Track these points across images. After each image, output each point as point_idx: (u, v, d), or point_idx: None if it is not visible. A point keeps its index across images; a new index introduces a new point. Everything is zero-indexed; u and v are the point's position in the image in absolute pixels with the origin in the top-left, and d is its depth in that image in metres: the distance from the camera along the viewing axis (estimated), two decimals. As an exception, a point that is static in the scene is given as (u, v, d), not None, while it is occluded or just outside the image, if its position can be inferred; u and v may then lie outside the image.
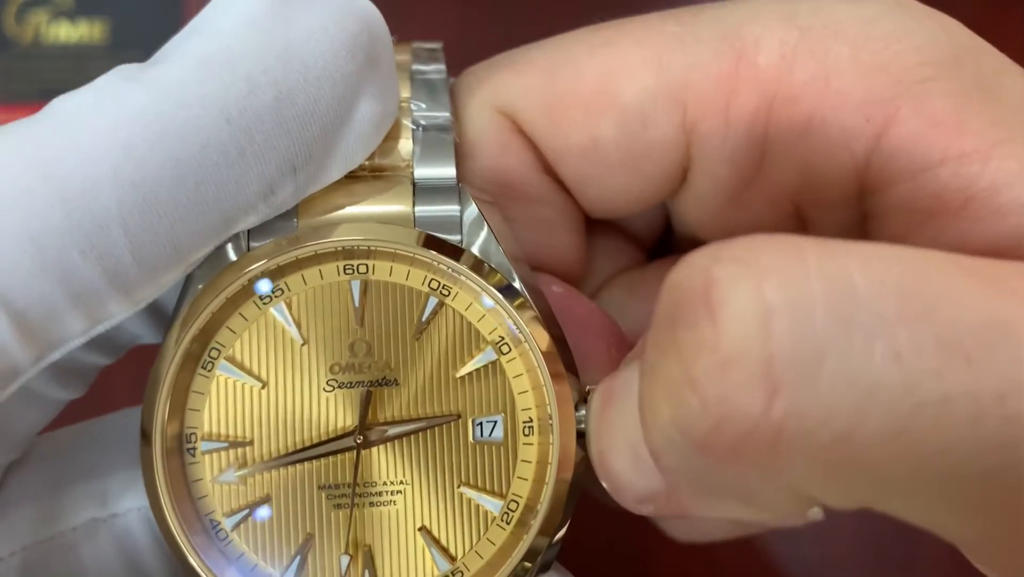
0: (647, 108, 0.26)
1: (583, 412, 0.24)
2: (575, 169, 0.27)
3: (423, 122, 0.26)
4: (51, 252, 0.21)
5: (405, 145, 0.25)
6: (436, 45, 0.28)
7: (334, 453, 0.24)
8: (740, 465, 0.18)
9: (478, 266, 0.24)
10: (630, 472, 0.22)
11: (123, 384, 0.31)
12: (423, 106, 0.26)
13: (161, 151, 0.21)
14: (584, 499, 0.27)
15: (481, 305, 0.25)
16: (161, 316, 0.27)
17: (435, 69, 0.27)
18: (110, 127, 0.21)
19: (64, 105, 0.22)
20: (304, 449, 0.24)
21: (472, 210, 0.25)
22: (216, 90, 0.21)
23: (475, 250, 0.24)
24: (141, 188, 0.21)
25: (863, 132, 0.24)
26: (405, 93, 0.26)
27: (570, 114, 0.26)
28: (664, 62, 0.25)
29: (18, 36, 0.57)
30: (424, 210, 0.25)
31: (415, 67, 0.27)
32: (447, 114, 0.26)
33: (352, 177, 0.24)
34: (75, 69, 0.56)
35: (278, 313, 0.24)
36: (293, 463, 0.24)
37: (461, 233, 0.24)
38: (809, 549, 0.48)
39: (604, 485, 0.23)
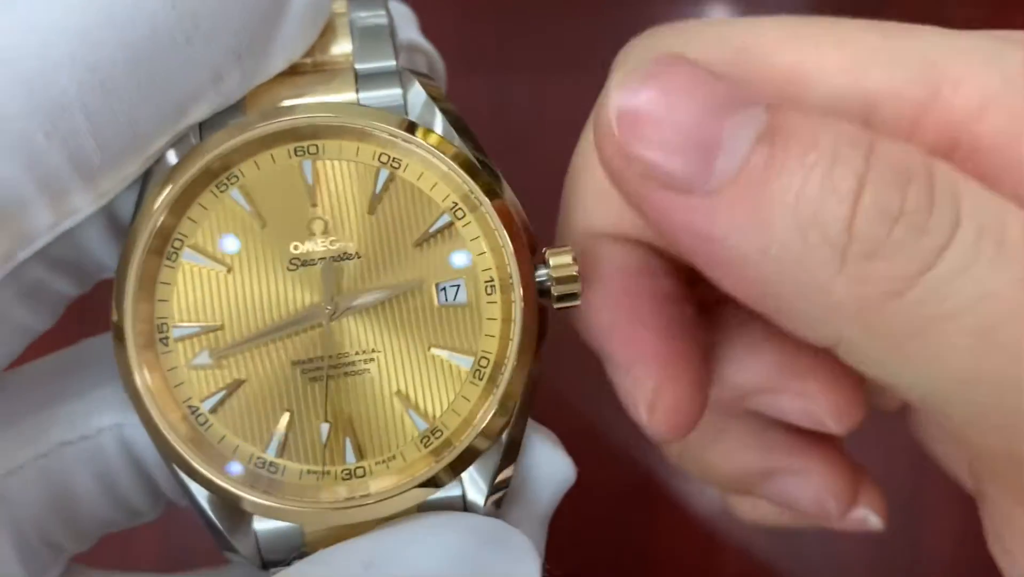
0: (832, 109, 0.25)
1: (542, 271, 0.25)
2: None
3: (360, 24, 0.26)
4: (15, 134, 0.21)
5: (345, 44, 0.26)
6: None
7: (305, 329, 0.25)
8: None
9: (430, 136, 0.25)
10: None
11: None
12: (362, 14, 0.27)
13: (113, 36, 0.21)
14: (583, 497, 0.27)
15: (433, 173, 0.25)
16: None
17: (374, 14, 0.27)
18: (61, 13, 0.21)
19: None
20: (276, 328, 0.24)
21: (418, 92, 0.25)
22: None
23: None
24: (98, 72, 0.21)
25: None
26: (341, 5, 0.27)
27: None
28: (861, 71, 0.25)
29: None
30: (368, 96, 0.25)
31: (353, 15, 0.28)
32: (384, 21, 0.27)
33: (296, 72, 0.25)
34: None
35: (236, 198, 0.25)
36: (266, 342, 0.24)
37: (406, 115, 0.25)
38: (810, 548, 0.48)
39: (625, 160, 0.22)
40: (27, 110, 0.21)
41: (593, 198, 0.28)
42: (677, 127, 0.21)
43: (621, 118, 0.22)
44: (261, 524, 0.24)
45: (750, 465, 0.34)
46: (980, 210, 0.21)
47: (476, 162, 0.25)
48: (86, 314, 0.29)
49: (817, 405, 0.32)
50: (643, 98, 0.21)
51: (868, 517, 0.34)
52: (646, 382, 0.28)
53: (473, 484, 0.25)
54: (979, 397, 0.21)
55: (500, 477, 0.24)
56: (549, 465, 0.26)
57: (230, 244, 0.25)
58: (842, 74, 0.25)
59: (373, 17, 0.27)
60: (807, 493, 0.33)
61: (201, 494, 0.24)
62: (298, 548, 0.24)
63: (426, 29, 0.31)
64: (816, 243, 0.21)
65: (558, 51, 0.56)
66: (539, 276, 0.25)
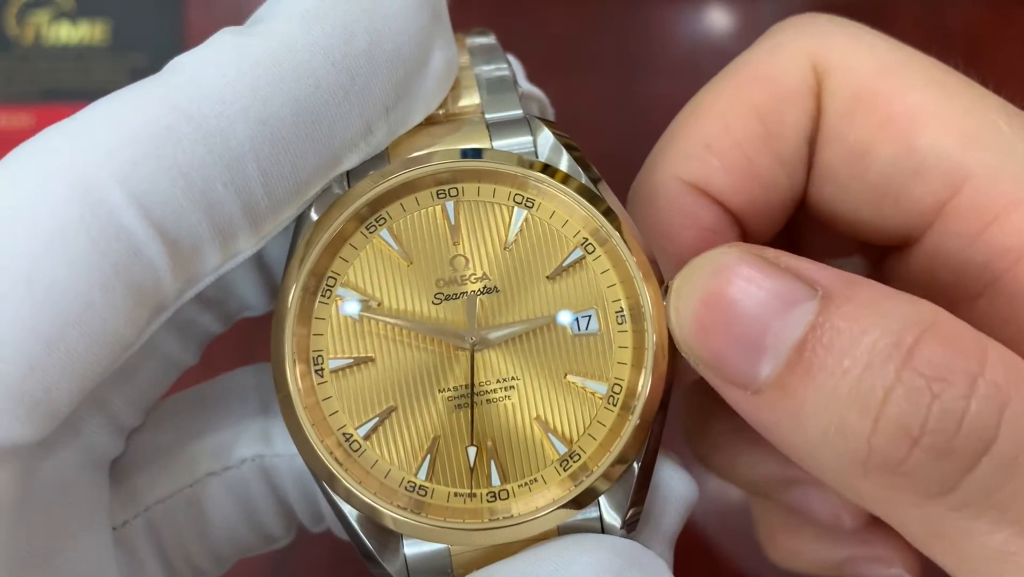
0: (929, 164, 0.26)
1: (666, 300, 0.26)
2: (833, 159, 0.28)
3: (487, 76, 0.28)
4: (198, 184, 0.22)
5: (473, 96, 0.28)
6: (489, 40, 0.30)
7: (450, 359, 0.26)
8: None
9: (560, 176, 0.26)
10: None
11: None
12: (486, 68, 0.29)
13: (282, 92, 0.23)
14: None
15: (564, 211, 0.26)
16: (272, 286, 0.29)
17: (496, 67, 0.29)
18: (235, 73, 0.23)
19: (187, 59, 0.24)
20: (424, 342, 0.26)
21: (546, 137, 0.27)
22: (320, 38, 0.23)
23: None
24: (268, 125, 0.23)
25: None
26: (465, 59, 0.29)
27: (869, 114, 0.27)
28: (973, 144, 0.26)
29: (19, 37, 0.57)
30: (501, 144, 0.27)
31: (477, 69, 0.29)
32: (508, 74, 0.28)
33: (431, 123, 0.27)
34: (76, 70, 0.57)
35: (384, 238, 0.26)
36: (415, 372, 0.26)
37: (536, 158, 0.27)
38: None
39: (698, 361, 0.24)
40: (208, 161, 0.22)
41: (695, 147, 0.29)
42: (730, 327, 0.22)
43: (680, 313, 0.24)
44: (411, 547, 0.25)
45: (773, 473, 0.35)
46: None
47: (602, 196, 0.26)
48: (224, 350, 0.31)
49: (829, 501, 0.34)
50: (701, 295, 0.23)
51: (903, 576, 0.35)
52: None
53: (609, 507, 0.25)
54: None
55: (634, 500, 0.25)
56: (675, 486, 0.27)
57: (380, 281, 0.26)
58: (955, 137, 0.26)
59: (497, 70, 0.28)
60: (825, 505, 0.34)
61: (352, 516, 0.25)
62: (446, 570, 0.25)
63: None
64: (840, 451, 0.21)
65: (558, 51, 0.56)
66: (665, 304, 0.26)
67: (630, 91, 0.55)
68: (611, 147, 0.53)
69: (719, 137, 0.28)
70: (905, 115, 0.27)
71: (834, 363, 0.21)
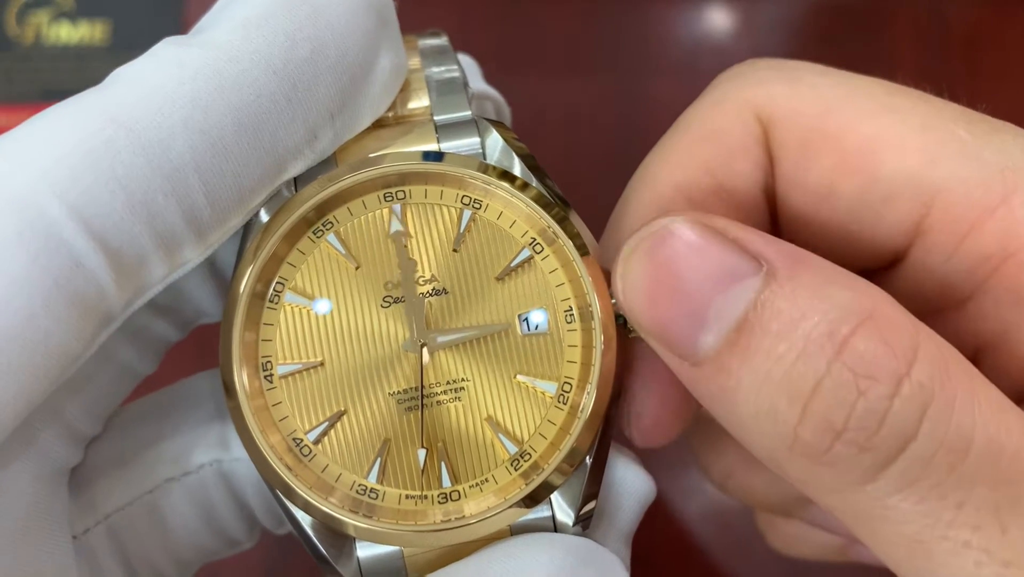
0: (897, 189, 0.26)
1: (614, 300, 0.25)
2: (798, 203, 0.28)
3: (436, 78, 0.28)
4: (138, 195, 0.23)
5: (423, 98, 0.28)
6: (441, 41, 0.30)
7: (400, 362, 0.26)
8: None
9: (507, 177, 0.26)
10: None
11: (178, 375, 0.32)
12: (436, 70, 0.28)
13: (222, 102, 0.23)
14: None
15: (511, 211, 0.27)
16: (225, 291, 0.29)
17: (446, 69, 0.29)
18: (175, 83, 0.23)
19: (127, 71, 0.24)
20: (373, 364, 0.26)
21: (495, 139, 0.27)
22: (261, 46, 0.23)
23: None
24: (209, 135, 0.23)
25: None
26: (415, 62, 0.28)
27: (823, 156, 0.27)
28: (936, 160, 0.26)
29: (19, 37, 0.57)
30: (449, 145, 0.27)
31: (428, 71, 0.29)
32: (457, 75, 0.28)
33: (379, 126, 0.27)
34: (76, 70, 0.57)
35: (332, 242, 0.26)
36: (363, 376, 0.26)
37: (484, 159, 0.27)
38: (817, 563, 0.48)
39: (644, 330, 0.24)
40: (147, 172, 0.23)
41: (651, 213, 0.29)
42: (674, 296, 0.22)
43: (625, 281, 0.23)
44: (363, 550, 0.25)
45: (790, 493, 0.35)
46: (946, 421, 0.21)
47: (550, 198, 0.26)
48: (182, 356, 0.31)
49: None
50: (647, 264, 0.23)
51: None
52: (635, 397, 0.29)
53: (561, 505, 0.26)
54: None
55: (587, 497, 0.26)
56: (630, 483, 0.27)
57: (328, 285, 0.26)
58: (917, 157, 0.26)
59: (447, 72, 0.28)
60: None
61: (306, 521, 0.25)
62: (400, 573, 0.25)
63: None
64: (768, 433, 0.22)
65: (558, 51, 0.56)
66: (614, 304, 0.26)
67: (630, 91, 0.55)
68: (611, 147, 0.53)
69: (673, 200, 0.28)
70: (861, 148, 0.26)
71: (770, 346, 0.21)
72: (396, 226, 0.26)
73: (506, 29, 0.55)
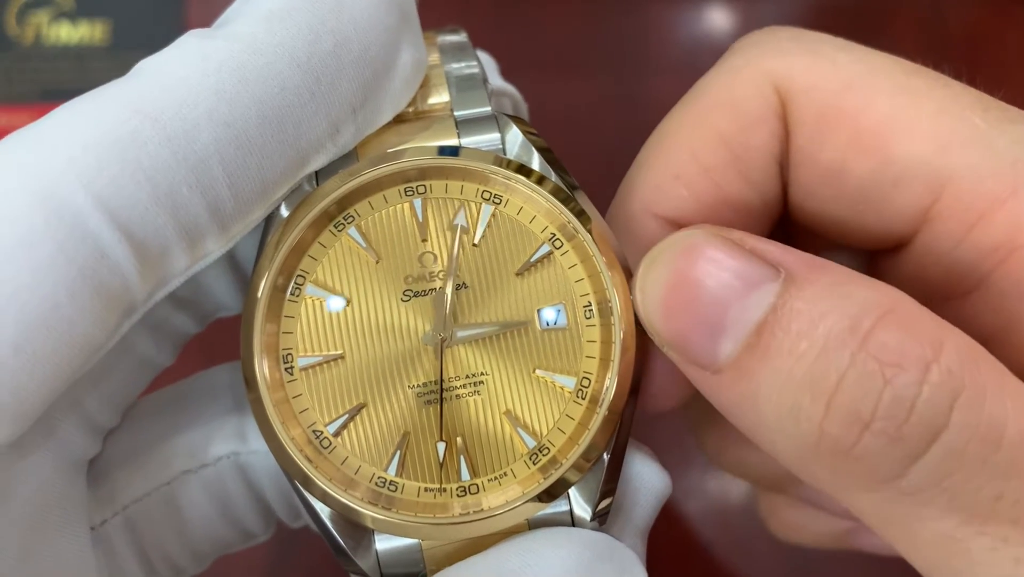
0: (908, 173, 0.26)
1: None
2: (809, 179, 0.28)
3: (456, 74, 0.28)
4: (163, 187, 0.23)
5: (443, 94, 0.28)
6: (460, 37, 0.30)
7: (420, 355, 0.26)
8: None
9: (526, 172, 0.26)
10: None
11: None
12: (456, 66, 0.29)
13: (246, 94, 0.23)
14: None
15: (531, 207, 0.27)
16: (246, 285, 0.29)
17: (466, 64, 0.29)
18: (199, 75, 0.23)
19: (151, 63, 0.24)
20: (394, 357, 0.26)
21: (515, 134, 0.27)
22: (285, 39, 0.24)
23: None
24: (233, 127, 0.23)
25: None
26: (435, 57, 0.29)
27: (838, 133, 0.27)
28: (949, 147, 0.25)
29: (19, 37, 0.57)
30: (469, 140, 0.27)
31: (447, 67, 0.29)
32: (477, 71, 0.28)
33: (400, 121, 0.27)
34: (76, 69, 0.57)
35: (353, 236, 0.26)
36: (384, 368, 0.26)
37: (504, 154, 0.27)
38: (812, 551, 0.48)
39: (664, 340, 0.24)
40: (172, 164, 0.23)
41: (663, 179, 0.28)
42: (692, 307, 0.23)
43: (644, 293, 0.24)
44: (382, 543, 0.25)
45: (784, 468, 0.34)
46: (979, 409, 0.21)
47: (570, 193, 0.26)
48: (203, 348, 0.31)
49: None
50: (665, 277, 0.23)
51: None
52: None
53: (579, 499, 0.26)
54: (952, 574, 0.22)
55: (604, 493, 0.26)
56: (647, 478, 0.27)
57: (349, 278, 0.26)
58: (930, 142, 0.26)
59: (467, 68, 0.28)
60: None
61: (325, 513, 0.25)
62: (417, 565, 0.25)
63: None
64: (792, 435, 0.22)
65: (558, 51, 0.56)
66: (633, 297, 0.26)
67: (630, 91, 0.55)
68: (611, 147, 0.53)
69: (686, 166, 0.28)
70: (876, 128, 0.26)
71: (791, 346, 0.21)
72: (460, 220, 0.26)
73: (506, 29, 0.55)
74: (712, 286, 0.22)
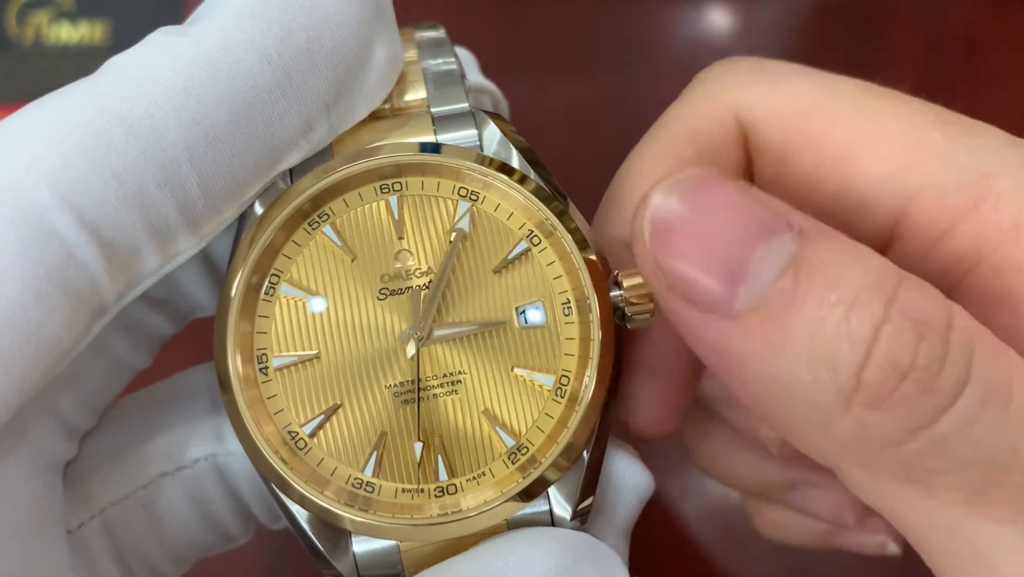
0: (872, 195, 0.26)
1: (615, 292, 0.26)
2: None
3: (433, 70, 0.28)
4: (131, 185, 0.22)
5: (420, 91, 0.28)
6: (438, 33, 0.30)
7: (396, 354, 0.26)
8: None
9: (505, 169, 0.26)
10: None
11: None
12: (433, 62, 0.28)
13: (216, 92, 0.23)
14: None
15: (509, 203, 0.26)
16: (220, 284, 0.29)
17: (443, 61, 0.29)
18: (168, 73, 0.23)
19: (120, 61, 0.23)
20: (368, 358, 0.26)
21: (493, 131, 0.27)
22: (255, 36, 0.23)
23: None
24: (202, 125, 0.23)
25: None
26: (412, 54, 0.28)
27: (801, 159, 0.27)
28: (911, 166, 0.26)
29: (19, 37, 0.57)
30: (446, 137, 0.27)
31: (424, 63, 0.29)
32: (454, 67, 0.28)
33: (376, 118, 0.27)
34: (76, 70, 0.56)
35: (328, 234, 0.26)
36: (359, 368, 0.26)
37: (482, 151, 0.27)
38: (812, 552, 0.48)
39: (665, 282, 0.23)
40: (141, 162, 0.22)
41: (633, 208, 0.28)
42: (708, 247, 0.22)
43: (655, 226, 0.22)
44: (359, 544, 0.25)
45: (772, 476, 0.35)
46: (990, 367, 0.21)
47: (548, 190, 0.26)
48: (182, 351, 0.31)
49: (830, 500, 0.34)
50: (679, 211, 0.22)
51: (888, 544, 0.36)
52: (636, 391, 0.29)
53: (559, 499, 0.25)
54: (968, 543, 0.22)
55: (584, 491, 0.25)
56: (629, 477, 0.27)
57: (324, 277, 0.26)
58: (892, 161, 0.26)
59: (444, 64, 0.28)
60: (825, 504, 0.35)
61: (302, 515, 0.25)
62: (396, 567, 0.25)
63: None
64: (824, 383, 0.21)
65: (558, 51, 0.56)
66: (612, 296, 0.26)
67: (630, 91, 0.55)
68: (611, 147, 0.53)
69: None
70: (838, 152, 0.26)
71: (822, 295, 0.21)
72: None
73: (506, 29, 0.55)
74: (730, 226, 0.21)
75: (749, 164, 0.28)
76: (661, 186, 0.22)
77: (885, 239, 0.27)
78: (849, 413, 0.21)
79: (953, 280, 0.26)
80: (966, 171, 0.25)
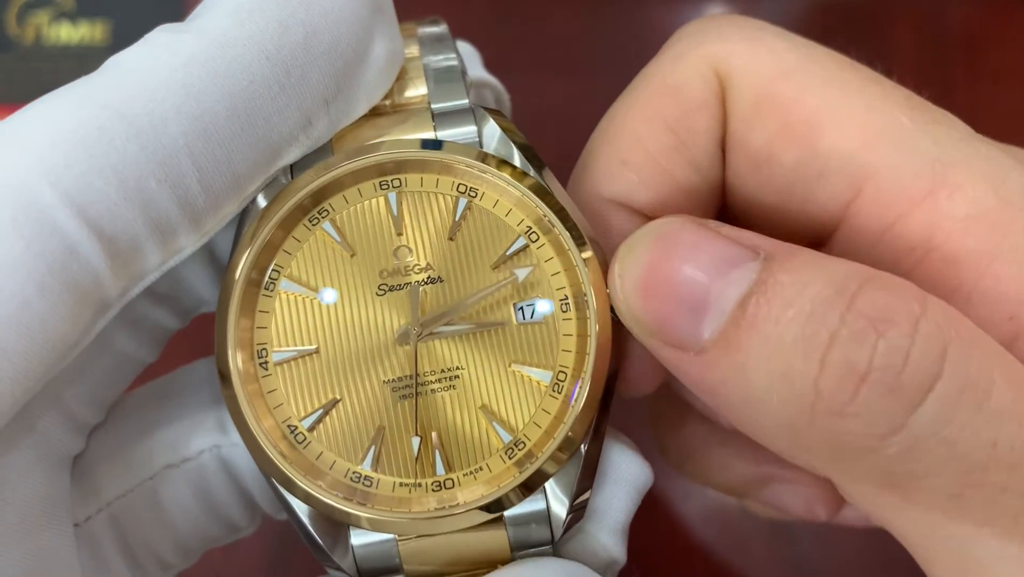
0: (831, 166, 0.26)
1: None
2: (741, 165, 0.28)
3: (434, 67, 0.28)
4: (131, 182, 0.23)
5: (420, 87, 0.28)
6: (440, 29, 0.30)
7: (395, 349, 0.26)
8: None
9: (504, 166, 0.26)
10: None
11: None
12: (434, 58, 0.28)
13: (215, 88, 0.23)
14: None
15: (507, 200, 0.27)
16: None
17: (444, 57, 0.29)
18: (167, 70, 0.23)
19: (120, 59, 0.24)
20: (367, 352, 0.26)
21: (492, 128, 0.27)
22: (254, 32, 0.23)
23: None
24: (202, 121, 0.23)
25: (1000, 328, 0.24)
26: (413, 49, 0.28)
27: (769, 120, 0.27)
28: (874, 143, 0.26)
29: (19, 37, 0.57)
30: (446, 133, 0.27)
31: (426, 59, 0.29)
32: (455, 63, 0.28)
33: (376, 114, 0.27)
34: (77, 70, 0.56)
35: (327, 230, 0.26)
36: (358, 363, 0.26)
37: (481, 148, 0.27)
38: (813, 552, 0.48)
39: (635, 318, 0.24)
40: (141, 159, 0.23)
41: (612, 165, 0.29)
42: (673, 290, 0.23)
43: (623, 280, 0.24)
44: (358, 538, 0.25)
45: (745, 474, 0.35)
46: (967, 361, 0.21)
47: (547, 187, 0.26)
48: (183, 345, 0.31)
49: (802, 495, 0.34)
50: (645, 260, 0.23)
51: (816, 508, 0.35)
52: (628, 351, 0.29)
53: (555, 495, 0.26)
54: (953, 548, 0.22)
55: (581, 486, 0.26)
56: (626, 470, 0.27)
57: (323, 273, 0.26)
58: (856, 137, 0.26)
59: (445, 60, 0.28)
60: (798, 500, 0.35)
61: (301, 509, 0.25)
62: (393, 560, 0.25)
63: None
64: (787, 398, 0.22)
65: (558, 51, 0.56)
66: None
67: (630, 91, 0.55)
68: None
69: (633, 152, 0.28)
70: (805, 119, 0.26)
71: (778, 313, 0.21)
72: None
73: (506, 29, 0.55)
74: (691, 268, 0.22)
75: (726, 119, 0.28)
76: (628, 241, 0.24)
77: (838, 215, 0.27)
78: (816, 424, 0.21)
79: (903, 269, 0.26)
80: (926, 158, 0.25)
